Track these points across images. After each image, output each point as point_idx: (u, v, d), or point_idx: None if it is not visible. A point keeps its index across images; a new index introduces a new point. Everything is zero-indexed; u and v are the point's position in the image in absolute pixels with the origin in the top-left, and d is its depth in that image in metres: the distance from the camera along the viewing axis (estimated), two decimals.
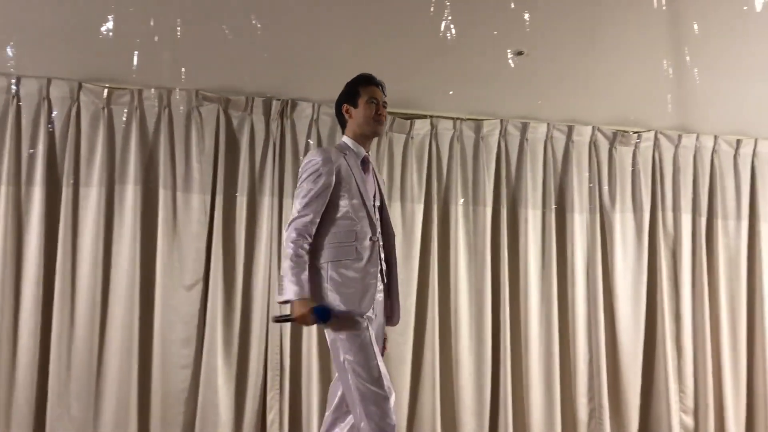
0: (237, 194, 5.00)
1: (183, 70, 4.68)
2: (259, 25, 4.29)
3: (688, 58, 4.70)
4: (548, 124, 5.53)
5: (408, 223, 5.24)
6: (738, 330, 5.62)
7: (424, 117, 5.38)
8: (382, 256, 3.28)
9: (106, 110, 4.90)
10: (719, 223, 5.68)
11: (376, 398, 3.03)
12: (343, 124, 3.42)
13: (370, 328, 3.12)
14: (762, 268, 5.69)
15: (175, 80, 4.89)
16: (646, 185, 5.62)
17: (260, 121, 5.10)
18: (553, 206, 5.47)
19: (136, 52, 4.55)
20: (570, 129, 5.56)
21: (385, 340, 3.44)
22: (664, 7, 4.22)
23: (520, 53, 4.81)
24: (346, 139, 3.38)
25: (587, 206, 5.53)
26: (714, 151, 5.77)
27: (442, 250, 5.28)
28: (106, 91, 4.90)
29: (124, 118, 4.93)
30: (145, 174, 4.92)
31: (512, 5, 4.22)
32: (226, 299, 4.92)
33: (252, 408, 4.87)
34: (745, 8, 4.28)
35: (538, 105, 5.38)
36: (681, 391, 5.48)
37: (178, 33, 4.34)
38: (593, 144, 5.60)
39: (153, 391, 4.76)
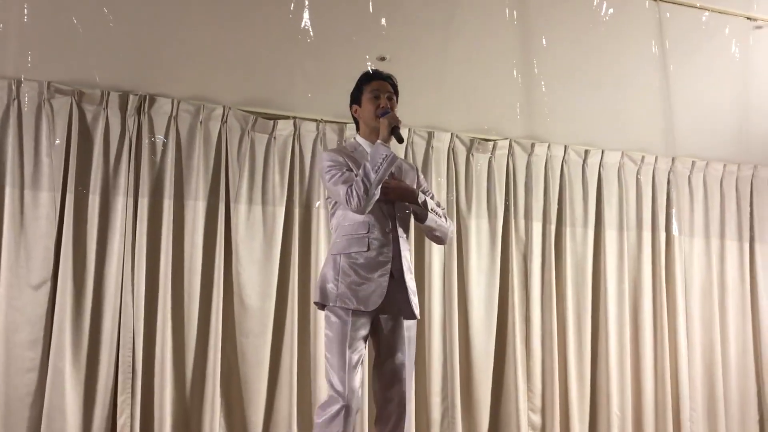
0: (89, 192, 4.83)
1: (29, 60, 4.48)
2: (111, 17, 4.17)
3: (536, 69, 4.89)
4: (409, 129, 5.63)
5: (269, 226, 5.21)
6: (583, 332, 5.89)
7: (287, 118, 5.37)
8: (398, 248, 3.29)
9: None
10: (567, 230, 5.94)
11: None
12: (357, 125, 3.48)
13: (356, 331, 3.17)
14: (606, 273, 5.99)
15: (23, 70, 4.67)
16: (501, 192, 5.82)
17: (116, 116, 4.94)
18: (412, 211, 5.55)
19: None
20: (430, 135, 5.68)
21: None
22: (515, 21, 4.39)
23: (382, 59, 4.88)
24: (358, 138, 3.45)
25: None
26: (564, 160, 6.03)
27: (303, 253, 5.28)
28: None
29: None
30: None
31: (371, 9, 4.28)
32: (76, 300, 4.73)
33: (102, 413, 4.71)
34: (590, 25, 4.50)
35: (399, 110, 5.45)
36: (530, 390, 5.68)
37: (25, 19, 4.15)
38: (452, 150, 5.75)
39: None
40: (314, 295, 3.33)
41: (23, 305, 4.63)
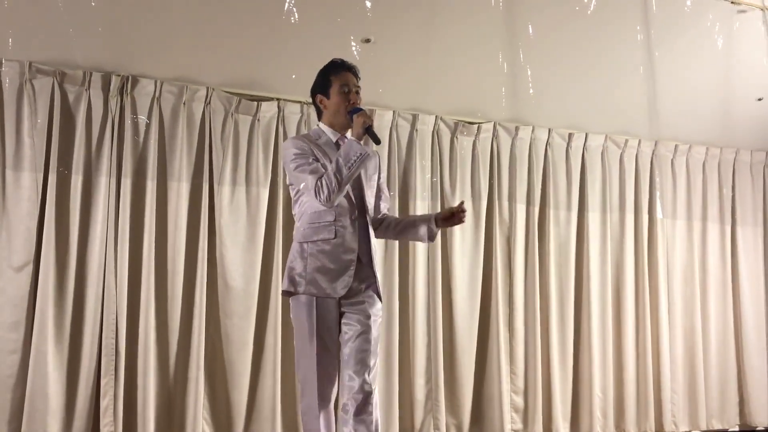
0: (72, 173, 4.80)
1: (10, 40, 4.43)
2: None
3: (521, 53, 4.90)
4: (394, 111, 5.62)
5: (253, 207, 5.20)
6: (566, 314, 5.93)
7: (271, 99, 5.34)
8: (364, 234, 3.31)
9: None
10: (551, 212, 5.97)
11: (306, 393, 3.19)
12: (319, 113, 3.42)
13: (324, 316, 3.19)
14: (589, 255, 6.03)
15: (4, 51, 4.62)
16: (485, 174, 5.83)
17: (98, 97, 4.90)
18: (397, 192, 5.56)
19: None
20: (414, 117, 5.67)
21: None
22: (501, 6, 4.38)
23: (367, 41, 4.87)
24: (321, 125, 3.40)
25: (429, 193, 5.67)
26: (548, 143, 6.04)
27: (287, 235, 5.27)
28: None
29: None
30: None
31: None
32: (59, 281, 4.71)
33: (85, 394, 4.71)
34: (577, 8, 4.50)
35: (384, 92, 5.46)
36: (512, 372, 5.72)
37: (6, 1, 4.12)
38: (436, 133, 5.75)
39: None
40: (282, 284, 3.32)
41: (5, 286, 4.61)
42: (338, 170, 3.12)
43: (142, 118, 4.98)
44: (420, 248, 5.56)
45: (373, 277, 3.31)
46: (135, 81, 4.98)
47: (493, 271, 5.75)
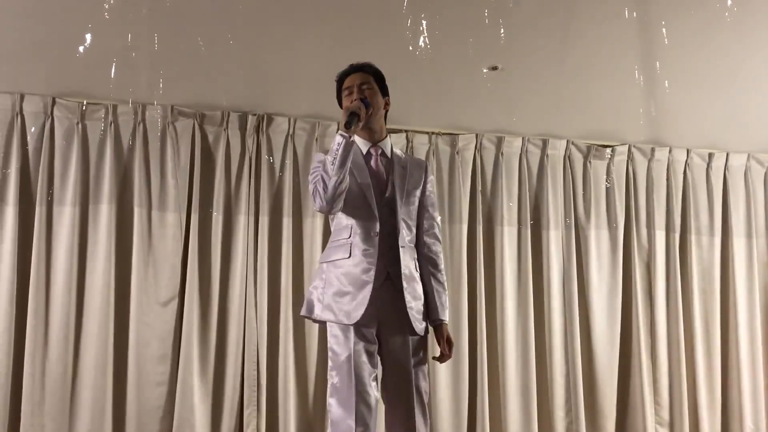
0: (213, 211, 4.97)
1: (161, 84, 4.66)
2: (232, 41, 4.30)
3: (659, 70, 4.76)
4: (523, 138, 5.55)
5: None
6: (712, 342, 5.66)
7: (400, 131, 5.38)
8: (394, 255, 2.98)
9: (80, 126, 4.85)
10: (693, 238, 5.72)
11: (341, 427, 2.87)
12: None
13: (360, 345, 2.90)
14: (735, 281, 5.74)
15: (150, 95, 4.85)
16: (621, 199, 5.65)
17: (236, 136, 5.08)
18: (529, 222, 5.47)
19: (113, 67, 4.53)
20: (544, 143, 5.59)
21: (445, 341, 3.11)
22: (635, 15, 4.27)
23: (494, 68, 4.84)
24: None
25: (563, 221, 5.54)
26: (687, 164, 5.81)
27: None
28: (81, 106, 4.83)
29: (100, 134, 4.87)
30: (120, 192, 4.87)
31: (486, 21, 4.25)
32: (202, 316, 4.87)
33: (228, 425, 4.83)
34: (714, 18, 4.36)
35: (513, 119, 5.41)
36: (656, 403, 5.50)
37: (156, 47, 4.33)
38: (568, 158, 5.63)
39: (128, 409, 4.71)
40: (302, 308, 3.11)
41: (153, 321, 4.81)
42: (325, 170, 2.85)
43: (271, 158, 5.10)
44: (555, 277, 5.44)
45: (405, 306, 2.96)
46: (270, 119, 5.13)
47: (633, 299, 5.55)
